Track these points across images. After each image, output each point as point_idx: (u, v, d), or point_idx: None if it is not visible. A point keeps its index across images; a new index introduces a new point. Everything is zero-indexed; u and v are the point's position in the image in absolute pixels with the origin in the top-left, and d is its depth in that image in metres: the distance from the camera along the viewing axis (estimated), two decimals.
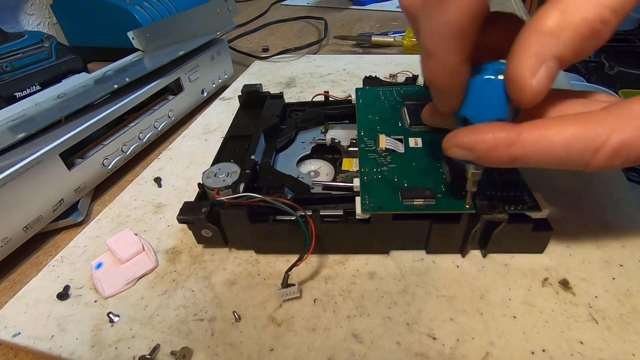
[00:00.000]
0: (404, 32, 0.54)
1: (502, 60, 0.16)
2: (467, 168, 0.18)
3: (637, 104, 0.14)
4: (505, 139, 0.15)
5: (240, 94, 0.36)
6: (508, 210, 0.20)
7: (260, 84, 0.36)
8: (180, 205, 0.23)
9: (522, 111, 0.17)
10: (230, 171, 0.24)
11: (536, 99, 0.15)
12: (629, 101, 0.14)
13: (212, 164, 0.27)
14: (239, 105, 0.37)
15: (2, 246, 0.25)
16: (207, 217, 0.22)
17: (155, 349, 0.19)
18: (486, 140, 0.15)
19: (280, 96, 0.35)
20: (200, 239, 0.25)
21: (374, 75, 0.36)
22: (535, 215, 0.20)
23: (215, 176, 0.24)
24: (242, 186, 0.23)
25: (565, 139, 0.14)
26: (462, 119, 0.17)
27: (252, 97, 0.35)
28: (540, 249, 0.22)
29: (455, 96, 0.17)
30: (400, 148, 0.25)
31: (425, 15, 0.15)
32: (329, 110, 0.33)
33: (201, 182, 0.24)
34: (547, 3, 0.14)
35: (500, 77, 0.15)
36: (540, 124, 0.15)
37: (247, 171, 0.25)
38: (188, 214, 0.23)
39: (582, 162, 0.14)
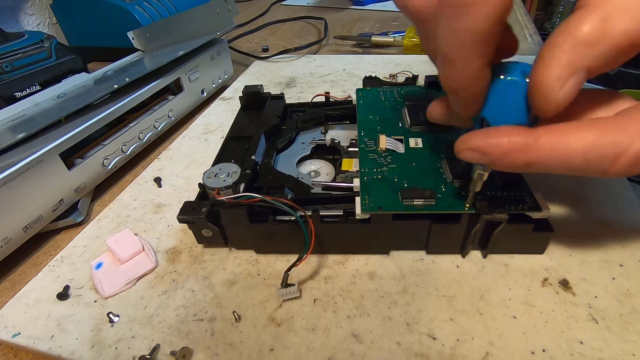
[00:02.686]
0: (404, 32, 0.54)
1: (528, 62, 0.15)
2: (475, 168, 0.18)
3: None
4: (521, 144, 0.14)
5: (240, 94, 0.36)
6: (508, 210, 0.20)
7: (261, 85, 0.36)
8: (180, 205, 0.23)
9: (540, 119, 0.16)
10: (231, 171, 0.24)
11: (559, 110, 0.14)
12: None
13: (213, 164, 0.27)
14: (239, 105, 0.37)
15: (2, 246, 0.25)
16: (207, 217, 0.22)
17: (155, 349, 0.19)
18: (501, 144, 0.15)
19: (281, 97, 0.35)
20: (200, 239, 0.25)
21: (373, 75, 0.36)
22: (535, 215, 0.20)
23: (215, 176, 0.24)
24: (242, 186, 0.23)
25: (584, 146, 0.14)
26: (479, 120, 0.17)
27: (253, 98, 0.35)
28: (540, 250, 0.22)
29: (477, 101, 0.16)
30: (400, 148, 0.25)
31: (444, 20, 0.14)
32: (330, 111, 0.33)
33: (202, 182, 0.24)
34: (585, 7, 0.13)
35: (527, 79, 0.15)
36: (557, 129, 0.14)
37: (248, 171, 0.25)
38: (188, 213, 0.23)
39: (601, 170, 0.14)
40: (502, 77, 0.15)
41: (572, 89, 0.13)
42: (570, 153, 0.14)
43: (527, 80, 0.15)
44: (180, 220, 0.23)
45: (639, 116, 0.14)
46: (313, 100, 0.35)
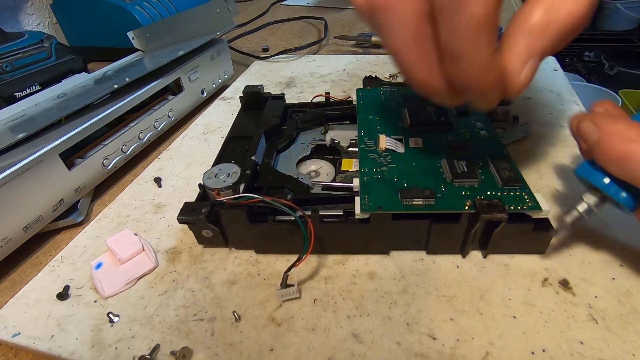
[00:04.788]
0: None
1: None
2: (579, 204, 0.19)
3: None
4: (633, 134, 0.16)
5: (240, 94, 0.36)
6: (508, 209, 0.20)
7: (262, 85, 0.36)
8: (181, 205, 0.23)
9: None
10: (231, 172, 0.24)
11: (522, 90, 0.16)
12: None
13: (213, 165, 0.27)
14: (239, 105, 0.37)
15: (2, 246, 0.25)
16: (207, 218, 0.22)
17: (155, 349, 0.19)
18: (615, 125, 0.17)
19: (281, 97, 0.35)
20: (200, 239, 0.25)
21: (374, 75, 0.36)
22: (535, 215, 0.20)
23: (216, 177, 0.24)
24: (242, 187, 0.23)
25: None
26: None
27: (254, 98, 0.35)
28: (541, 250, 0.22)
29: (496, 90, 0.16)
30: (400, 148, 0.25)
31: (445, 18, 0.14)
32: (330, 111, 0.33)
33: (202, 183, 0.24)
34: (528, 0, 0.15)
35: None
36: None
37: (248, 172, 0.25)
38: (188, 214, 0.23)
39: None
40: None
41: (531, 70, 0.16)
42: None
43: None
44: (181, 221, 0.23)
45: None
46: (313, 101, 0.35)
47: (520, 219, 0.21)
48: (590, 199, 0.18)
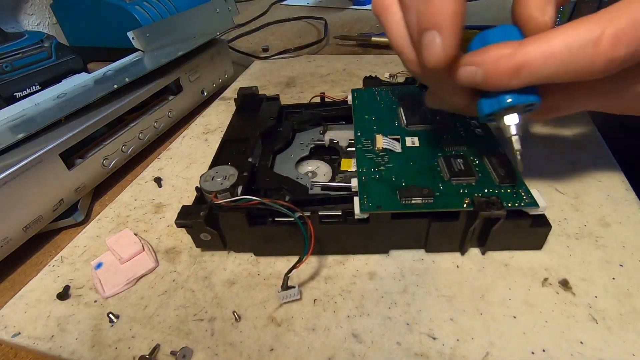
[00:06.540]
0: None
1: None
2: (507, 134, 0.19)
3: (627, 2, 0.14)
4: (509, 49, 0.16)
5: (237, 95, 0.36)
6: (506, 206, 0.20)
7: (256, 87, 0.36)
8: (180, 206, 0.23)
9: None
10: (228, 174, 0.24)
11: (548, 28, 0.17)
12: (620, 2, 0.15)
13: (210, 167, 0.27)
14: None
15: (2, 246, 0.25)
16: (205, 221, 0.22)
17: (155, 349, 0.20)
18: (491, 54, 0.16)
19: (276, 98, 0.35)
20: (198, 243, 0.24)
21: (373, 75, 0.36)
22: (532, 211, 0.20)
23: (212, 179, 0.24)
24: (240, 189, 0.23)
25: (565, 39, 0.15)
26: None
27: (248, 100, 0.35)
28: (538, 245, 0.22)
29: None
30: (397, 147, 0.25)
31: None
32: (326, 112, 0.33)
33: (199, 186, 0.24)
34: None
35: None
36: (539, 35, 0.16)
37: (245, 174, 0.24)
38: (187, 217, 0.22)
39: (586, 59, 0.15)
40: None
41: (554, 13, 0.17)
42: (553, 48, 0.15)
43: None
44: (179, 225, 0.23)
45: (610, 8, 0.15)
46: (311, 101, 0.35)
47: (517, 215, 0.21)
48: (510, 120, 0.18)
